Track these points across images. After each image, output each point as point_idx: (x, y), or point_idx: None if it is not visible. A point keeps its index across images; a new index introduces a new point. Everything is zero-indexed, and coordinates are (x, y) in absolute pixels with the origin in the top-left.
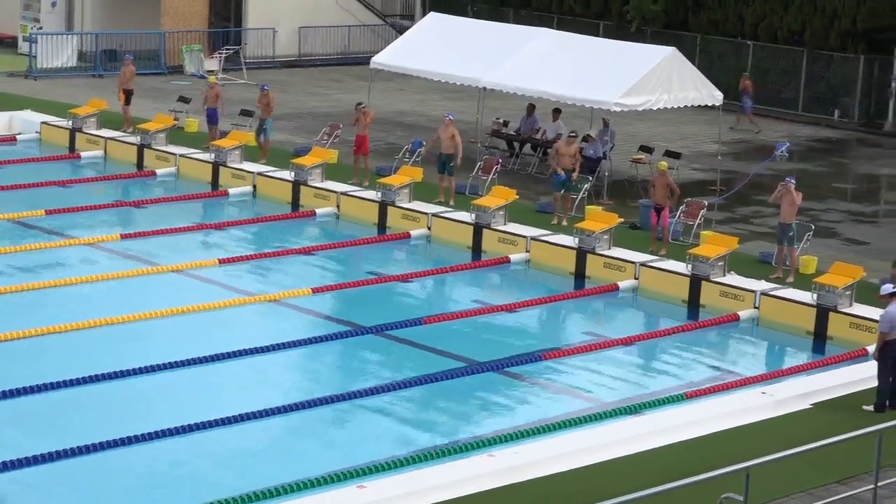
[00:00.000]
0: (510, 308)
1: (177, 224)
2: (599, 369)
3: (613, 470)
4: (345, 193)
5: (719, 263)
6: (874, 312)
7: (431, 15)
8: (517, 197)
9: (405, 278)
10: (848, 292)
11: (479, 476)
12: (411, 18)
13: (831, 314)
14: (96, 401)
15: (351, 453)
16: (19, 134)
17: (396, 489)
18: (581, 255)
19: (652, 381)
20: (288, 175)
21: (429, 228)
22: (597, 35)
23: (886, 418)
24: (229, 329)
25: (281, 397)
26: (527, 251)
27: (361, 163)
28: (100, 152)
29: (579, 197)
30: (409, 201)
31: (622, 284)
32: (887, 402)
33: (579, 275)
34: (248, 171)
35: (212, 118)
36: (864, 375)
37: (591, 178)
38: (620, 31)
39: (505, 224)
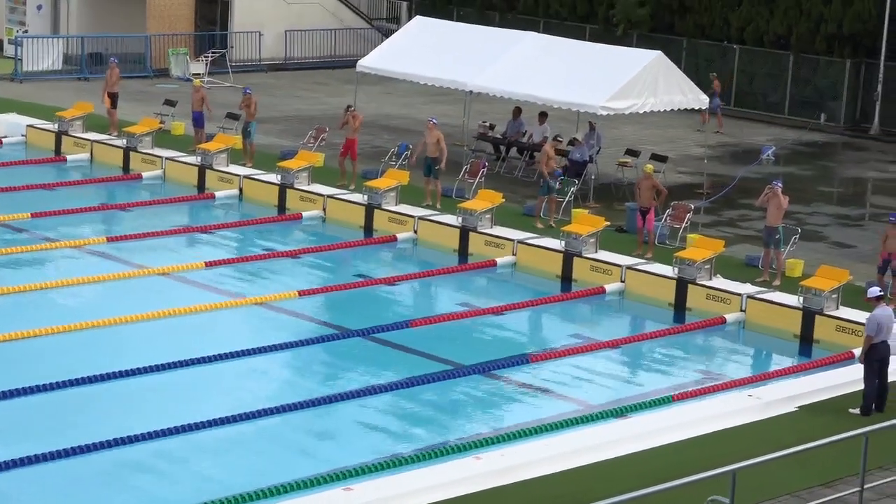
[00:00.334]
0: (497, 311)
1: (163, 227)
2: (586, 372)
3: (600, 472)
4: (331, 196)
5: (706, 266)
6: (860, 316)
7: (417, 18)
8: (504, 200)
9: (392, 281)
10: (834, 295)
11: (465, 478)
12: (397, 22)
13: (817, 317)
14: (82, 403)
15: (337, 456)
16: (5, 137)
17: (383, 492)
18: (568, 258)
19: (639, 384)
20: (274, 178)
21: (415, 231)
22: (583, 39)
23: (872, 421)
24: (216, 332)
25: (267, 400)
26: (513, 254)
27: (349, 166)
28: (86, 155)
29: (566, 200)
30: (396, 204)
31: (609, 287)
32: (873, 406)
33: (566, 278)
34: (235, 175)
35: (198, 121)
36: (850, 378)
37: (577, 182)
38: (607, 34)
39: (491, 227)
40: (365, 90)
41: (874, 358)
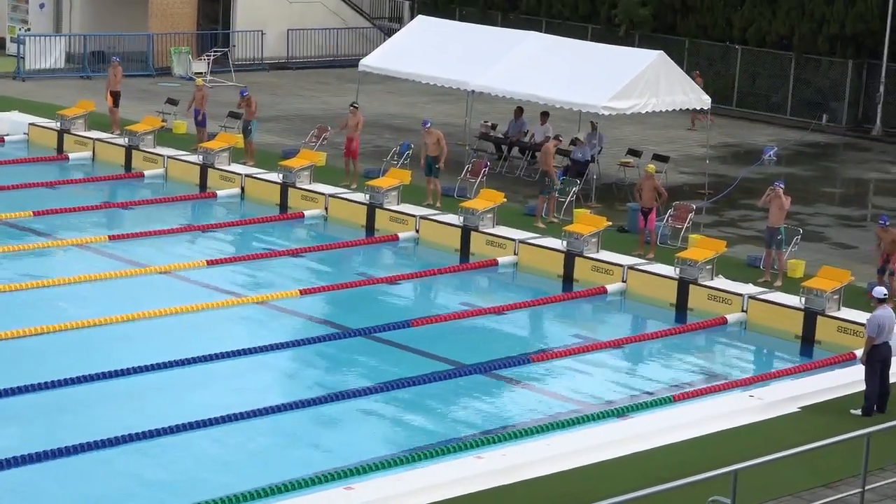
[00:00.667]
0: (498, 311)
1: (165, 226)
2: (587, 372)
3: (602, 472)
4: (333, 195)
5: (707, 267)
6: (862, 316)
7: (420, 18)
8: (505, 200)
9: (393, 280)
10: (836, 296)
11: (466, 478)
12: (399, 21)
13: (819, 318)
14: (83, 401)
15: (339, 455)
16: (7, 135)
17: (384, 491)
18: (569, 258)
19: (640, 384)
20: (276, 177)
21: (417, 231)
22: (585, 39)
23: (874, 422)
24: (217, 330)
25: (269, 399)
26: (515, 254)
27: (351, 165)
28: (88, 154)
29: (567, 200)
30: (398, 204)
31: (610, 288)
32: (875, 406)
33: (567, 278)
34: (237, 173)
35: (200, 120)
36: (851, 379)
37: (579, 182)
38: (609, 34)
39: (493, 227)
40: (367, 89)
41: (876, 359)
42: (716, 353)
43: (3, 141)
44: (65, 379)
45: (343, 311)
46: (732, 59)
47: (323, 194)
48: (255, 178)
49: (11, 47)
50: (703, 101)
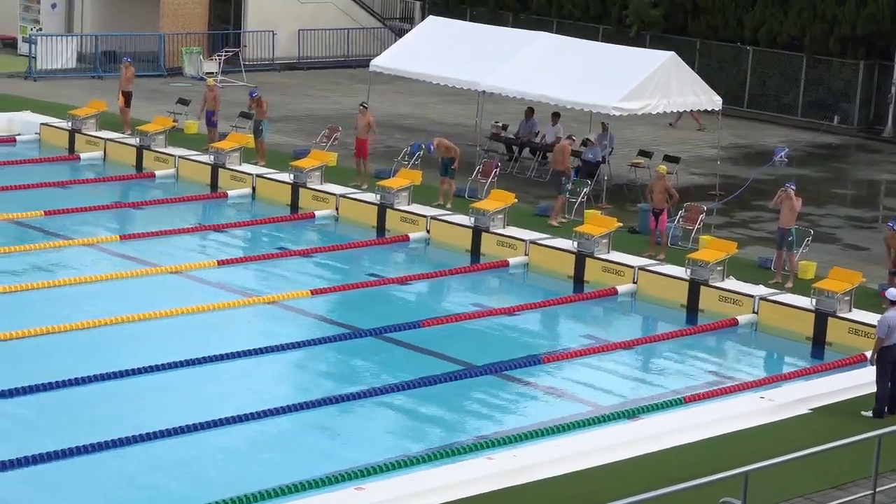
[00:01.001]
0: (509, 311)
1: (176, 226)
2: (598, 373)
3: (612, 474)
4: (344, 196)
5: (718, 268)
6: (873, 318)
7: (430, 18)
8: (516, 200)
9: (404, 281)
10: (847, 298)
11: (477, 479)
12: (410, 21)
13: (830, 319)
14: (94, 401)
15: (349, 455)
16: (19, 135)
17: (395, 491)
18: (580, 258)
19: (650, 385)
20: (287, 177)
21: (428, 231)
22: (596, 39)
23: (885, 424)
24: (228, 330)
25: (279, 399)
26: (526, 255)
27: (361, 165)
28: (99, 154)
29: (578, 201)
30: (408, 204)
31: (621, 288)
32: (886, 408)
33: (578, 279)
34: (248, 174)
35: (211, 120)
36: (862, 381)
37: (590, 183)
38: (620, 35)
39: (504, 227)
40: (378, 90)
41: (886, 360)
42: (727, 355)
43: (15, 141)
44: (75, 378)
45: (354, 312)
46: (743, 59)
47: (334, 194)
48: (265, 178)
49: (23, 47)
50: (715, 101)
